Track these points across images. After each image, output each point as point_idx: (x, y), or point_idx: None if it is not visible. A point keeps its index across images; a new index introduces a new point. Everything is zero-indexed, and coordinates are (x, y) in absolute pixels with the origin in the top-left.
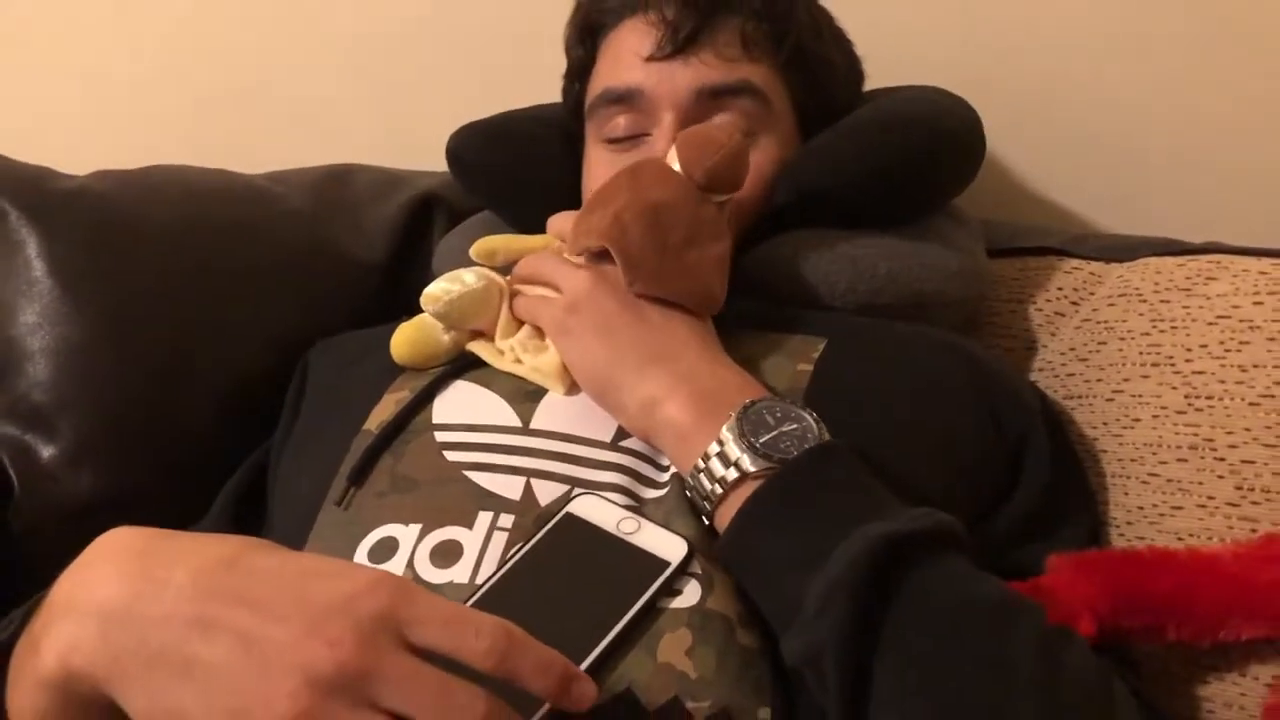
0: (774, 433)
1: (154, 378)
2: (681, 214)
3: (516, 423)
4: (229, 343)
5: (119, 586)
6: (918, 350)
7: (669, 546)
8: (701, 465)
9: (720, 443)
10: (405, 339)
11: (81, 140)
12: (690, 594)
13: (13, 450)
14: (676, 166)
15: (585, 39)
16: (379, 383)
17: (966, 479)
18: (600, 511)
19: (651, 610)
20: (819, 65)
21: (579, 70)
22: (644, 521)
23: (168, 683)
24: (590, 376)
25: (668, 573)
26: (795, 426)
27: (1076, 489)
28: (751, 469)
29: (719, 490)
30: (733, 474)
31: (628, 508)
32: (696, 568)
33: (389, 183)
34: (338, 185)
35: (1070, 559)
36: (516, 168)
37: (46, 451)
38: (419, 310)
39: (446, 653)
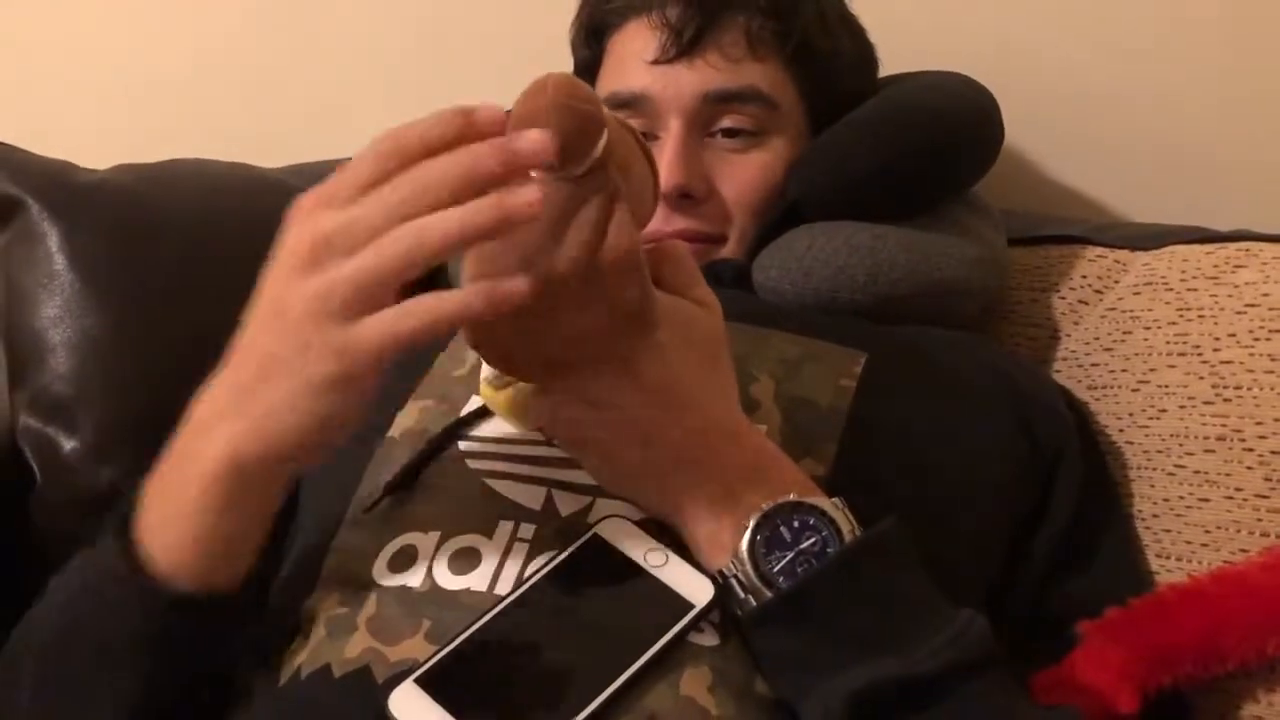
0: (791, 555)
1: (174, 371)
2: (553, 239)
3: (538, 434)
4: None
5: (218, 394)
6: (954, 370)
7: (695, 587)
8: (720, 581)
9: (737, 564)
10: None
11: (103, 135)
12: (710, 636)
13: (35, 442)
14: None
15: (590, 40)
16: (403, 385)
17: (1004, 497)
18: (629, 538)
19: (672, 648)
20: (827, 58)
21: (585, 70)
22: (672, 555)
23: (257, 378)
24: (607, 487)
25: (691, 615)
26: (813, 541)
27: (1110, 502)
28: (769, 597)
29: (737, 610)
30: (750, 601)
31: (644, 524)
32: (715, 615)
33: None
34: None
35: (1098, 625)
36: None
37: (68, 444)
38: None
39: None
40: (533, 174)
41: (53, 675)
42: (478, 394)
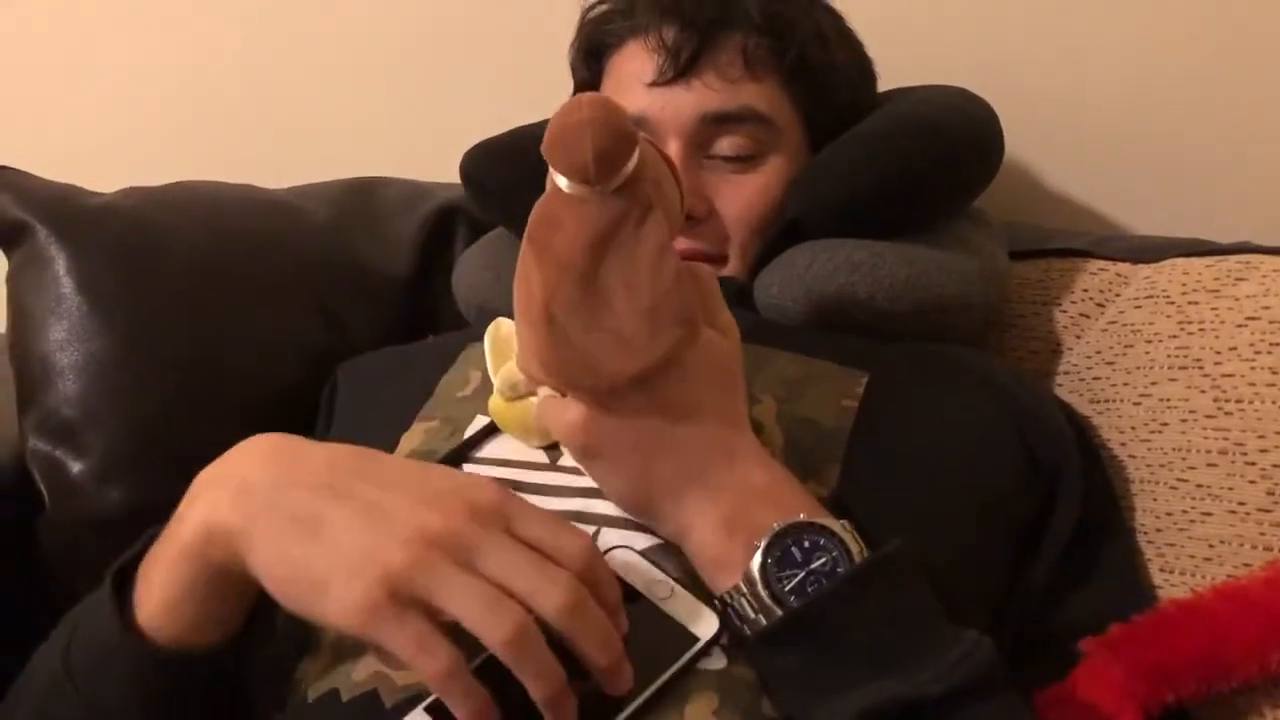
0: (802, 574)
1: (180, 392)
2: (598, 252)
3: (544, 460)
4: (255, 356)
5: (259, 464)
6: (955, 388)
7: (699, 619)
8: (730, 599)
9: (749, 582)
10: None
11: (109, 158)
12: (716, 659)
13: (43, 465)
14: (562, 182)
15: (589, 61)
16: (408, 408)
17: (1006, 514)
18: (636, 570)
19: (677, 679)
20: (825, 74)
21: (584, 91)
22: (677, 588)
23: (295, 538)
24: (620, 503)
25: (695, 649)
26: (824, 560)
27: (1112, 517)
28: (780, 616)
29: (746, 630)
30: (760, 621)
31: (654, 549)
32: (724, 637)
33: (412, 195)
34: (360, 198)
35: (1101, 642)
36: (528, 186)
37: (76, 466)
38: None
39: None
40: (570, 190)
41: None
42: (483, 414)
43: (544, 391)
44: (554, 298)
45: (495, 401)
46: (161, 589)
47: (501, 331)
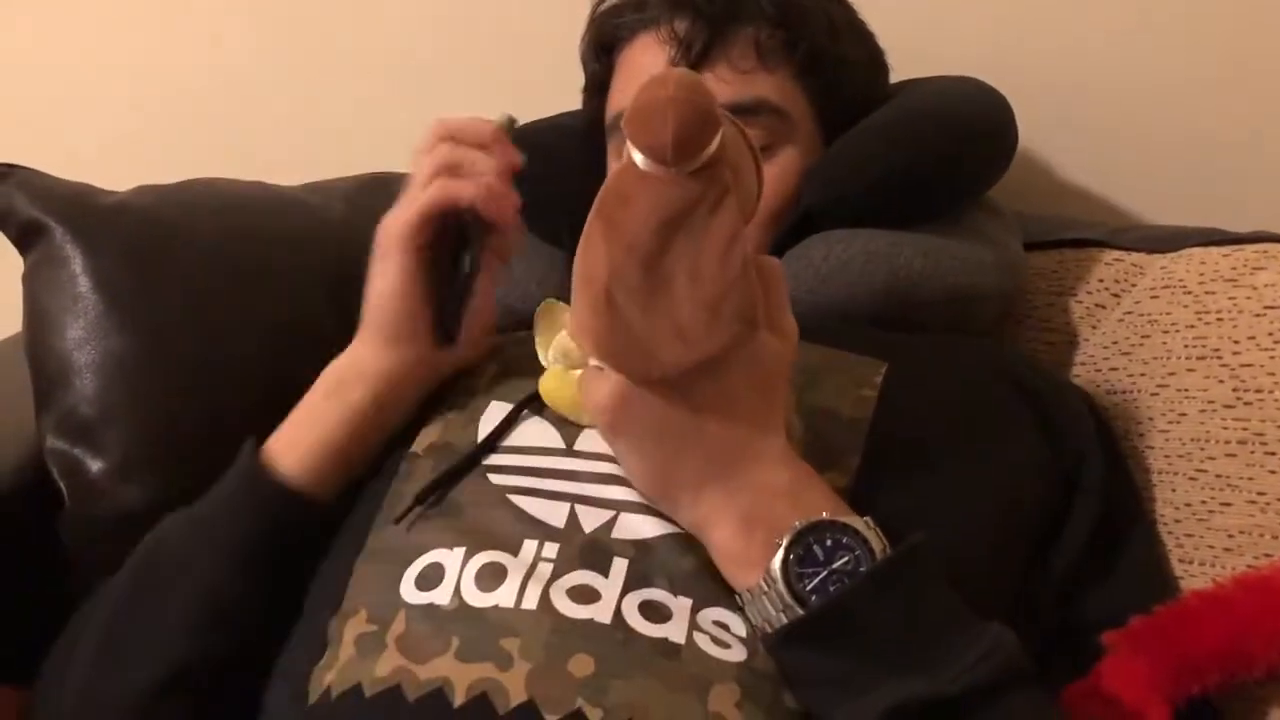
0: (824, 573)
1: (198, 389)
2: (666, 235)
3: (560, 445)
4: (272, 353)
5: None
6: (973, 378)
7: None
8: (749, 598)
9: (770, 581)
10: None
11: (122, 157)
12: (737, 651)
13: (62, 464)
14: (638, 158)
15: (600, 55)
16: (426, 402)
17: (1026, 504)
18: None
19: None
20: (838, 66)
21: (596, 86)
22: None
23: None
24: (640, 488)
25: None
26: (846, 559)
27: (1133, 508)
28: (801, 614)
29: (767, 628)
30: (782, 619)
31: (671, 536)
32: (741, 630)
33: None
34: (375, 194)
35: (1124, 635)
36: (540, 181)
37: (95, 465)
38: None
39: None
40: (645, 167)
41: (146, 565)
42: (498, 401)
43: (592, 362)
44: (615, 278)
45: (547, 379)
46: (302, 414)
47: (553, 311)
